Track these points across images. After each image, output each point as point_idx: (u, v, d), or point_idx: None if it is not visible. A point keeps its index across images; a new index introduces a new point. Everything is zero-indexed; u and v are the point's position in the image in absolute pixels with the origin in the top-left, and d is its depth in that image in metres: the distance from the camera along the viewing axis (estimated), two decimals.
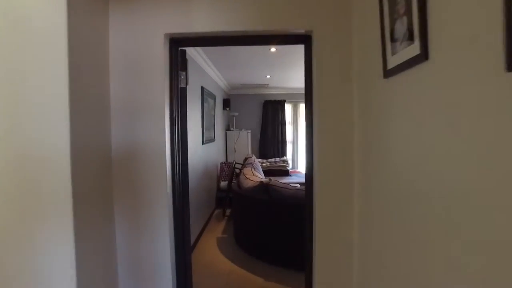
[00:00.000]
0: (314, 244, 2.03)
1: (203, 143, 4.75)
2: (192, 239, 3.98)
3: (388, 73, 1.38)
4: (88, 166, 1.69)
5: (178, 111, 2.06)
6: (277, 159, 7.35)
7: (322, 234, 1.98)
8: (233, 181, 5.71)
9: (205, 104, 4.93)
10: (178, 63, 2.07)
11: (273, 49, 4.17)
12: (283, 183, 3.41)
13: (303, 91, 8.06)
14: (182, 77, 2.11)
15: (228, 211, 5.49)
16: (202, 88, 4.74)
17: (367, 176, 1.70)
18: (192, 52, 4.08)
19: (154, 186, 1.97)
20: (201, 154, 4.69)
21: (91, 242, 1.72)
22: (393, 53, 1.32)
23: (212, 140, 5.61)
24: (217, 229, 4.69)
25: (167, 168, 1.99)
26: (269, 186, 3.36)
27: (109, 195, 1.96)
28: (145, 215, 2.00)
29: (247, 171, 4.16)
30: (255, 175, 4.03)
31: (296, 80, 7.07)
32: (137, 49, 1.93)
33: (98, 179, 1.81)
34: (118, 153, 1.97)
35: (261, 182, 3.45)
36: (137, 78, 1.94)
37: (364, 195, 1.76)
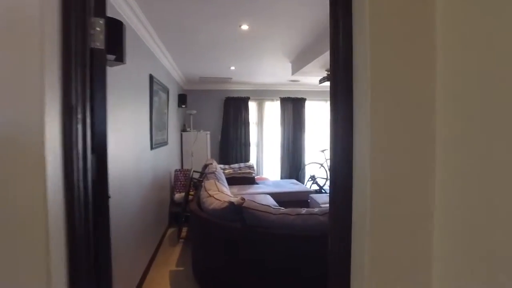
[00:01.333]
0: None
1: (152, 147, 3.69)
2: (137, 276, 2.93)
3: None
4: None
5: (84, 93, 1.04)
6: (242, 164, 6.41)
7: None
8: (190, 192, 4.70)
9: (155, 98, 3.87)
10: (86, 1, 1.06)
11: (244, 26, 3.24)
12: (263, 205, 2.48)
13: (268, 88, 7.10)
14: (98, 29, 1.11)
15: (185, 230, 4.46)
16: (151, 77, 3.68)
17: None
18: (139, 28, 3.03)
19: (15, 234, 0.94)
20: (149, 161, 3.63)
21: None
22: None
23: (164, 143, 4.54)
24: (171, 259, 3.64)
25: (50, 198, 0.95)
26: (244, 210, 2.42)
27: None
28: None
29: (209, 184, 3.18)
30: (221, 190, 3.06)
31: (263, 73, 6.19)
32: None
33: None
34: None
35: (231, 203, 2.50)
36: None
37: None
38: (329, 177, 6.90)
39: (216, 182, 3.30)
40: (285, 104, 7.86)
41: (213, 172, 4.04)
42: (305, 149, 8.02)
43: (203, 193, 3.00)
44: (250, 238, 2.40)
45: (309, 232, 2.29)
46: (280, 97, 7.83)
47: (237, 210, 2.47)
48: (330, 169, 1.18)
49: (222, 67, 5.48)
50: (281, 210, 2.47)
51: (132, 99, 2.91)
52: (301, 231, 2.30)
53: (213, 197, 2.81)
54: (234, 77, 6.59)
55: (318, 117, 8.15)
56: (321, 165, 7.74)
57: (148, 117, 3.58)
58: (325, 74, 4.77)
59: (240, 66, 5.42)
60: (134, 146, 2.95)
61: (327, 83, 4.91)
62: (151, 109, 3.66)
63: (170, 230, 4.64)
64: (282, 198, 5.27)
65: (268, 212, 2.40)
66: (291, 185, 5.94)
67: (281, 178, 7.83)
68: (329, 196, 1.17)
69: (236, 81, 7.11)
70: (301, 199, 5.47)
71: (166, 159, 4.82)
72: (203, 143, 6.89)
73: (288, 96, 7.84)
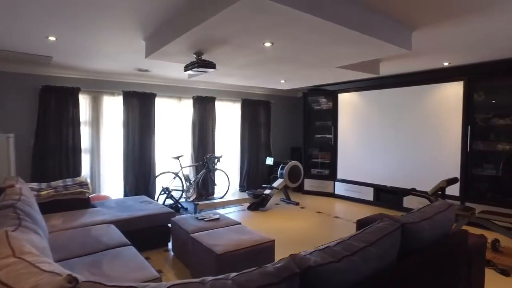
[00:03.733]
0: None
1: None
2: None
3: None
4: None
5: None
6: (69, 181, 4.51)
7: None
8: None
9: None
10: None
11: None
12: (121, 287, 1.13)
13: (108, 78, 4.39)
14: None
15: None
16: None
17: None
18: None
19: None
20: None
21: None
22: None
23: None
24: None
25: None
26: None
27: None
28: None
29: None
30: (20, 253, 1.48)
31: (101, 54, 4.53)
32: None
33: None
34: None
35: None
36: None
37: None
38: (186, 189, 5.58)
39: (10, 235, 1.66)
40: (130, 100, 6.27)
41: (12, 205, 2.29)
42: (156, 156, 6.60)
43: None
44: None
45: None
46: (123, 91, 6.19)
47: None
48: None
49: (34, 34, 3.57)
50: None
51: None
52: None
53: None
54: (56, 57, 4.63)
55: (171, 117, 6.87)
56: (176, 174, 6.51)
57: None
58: (193, 58, 3.60)
59: (66, 37, 3.65)
60: None
61: (192, 72, 3.75)
62: None
63: None
64: (132, 227, 3.85)
65: None
66: (143, 205, 4.49)
67: (126, 194, 6.17)
68: None
69: (59, 64, 5.10)
70: (159, 225, 4.15)
71: None
72: (2, 152, 4.61)
73: (134, 90, 6.28)
